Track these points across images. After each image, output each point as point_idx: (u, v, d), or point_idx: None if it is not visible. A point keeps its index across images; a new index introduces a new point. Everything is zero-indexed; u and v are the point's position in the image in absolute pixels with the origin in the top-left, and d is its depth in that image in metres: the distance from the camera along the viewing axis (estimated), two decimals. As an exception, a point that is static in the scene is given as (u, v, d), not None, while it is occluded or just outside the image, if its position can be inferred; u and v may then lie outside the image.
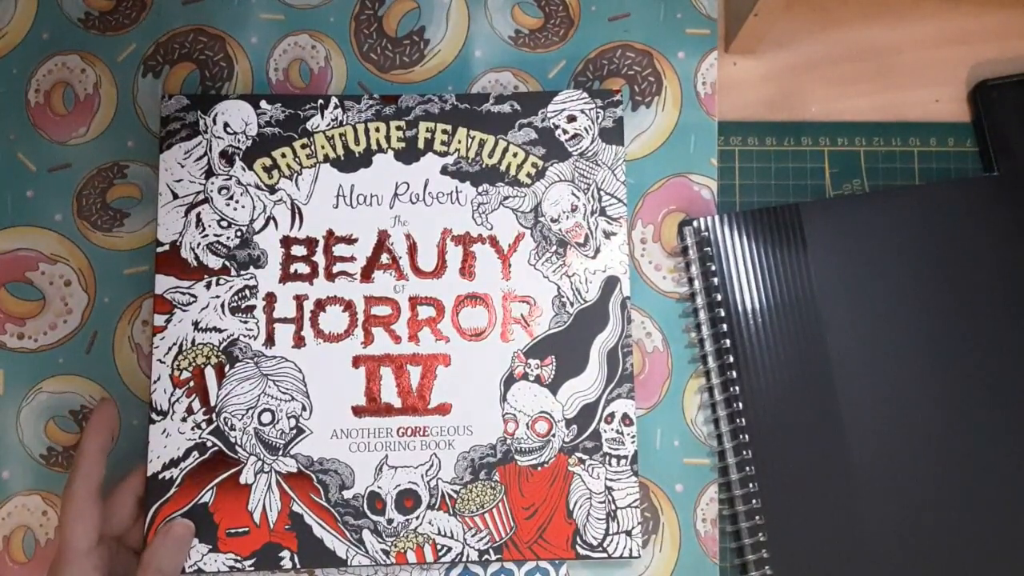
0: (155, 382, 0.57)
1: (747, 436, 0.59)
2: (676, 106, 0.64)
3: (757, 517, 0.58)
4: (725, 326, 0.60)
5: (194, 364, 0.58)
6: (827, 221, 0.61)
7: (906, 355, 0.60)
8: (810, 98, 0.65)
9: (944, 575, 0.57)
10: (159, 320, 0.58)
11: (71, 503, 0.52)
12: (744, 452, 0.59)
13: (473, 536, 0.57)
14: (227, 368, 0.58)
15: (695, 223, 0.61)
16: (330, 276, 0.59)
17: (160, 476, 0.56)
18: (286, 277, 0.59)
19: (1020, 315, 0.60)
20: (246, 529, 0.56)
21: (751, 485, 0.58)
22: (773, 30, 0.63)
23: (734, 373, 0.59)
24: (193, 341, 0.58)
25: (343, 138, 0.60)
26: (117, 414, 0.57)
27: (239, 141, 0.60)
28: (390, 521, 0.57)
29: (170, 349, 0.58)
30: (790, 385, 0.59)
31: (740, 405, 0.59)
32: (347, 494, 0.57)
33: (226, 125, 0.60)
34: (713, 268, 0.61)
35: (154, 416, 0.57)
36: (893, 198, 0.62)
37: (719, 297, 0.60)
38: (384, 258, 0.60)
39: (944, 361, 0.60)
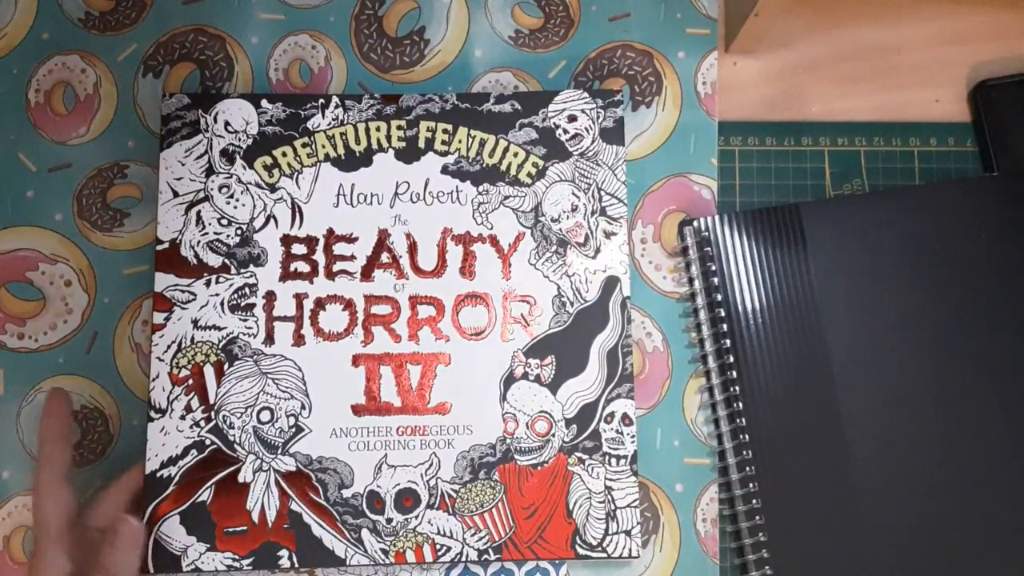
0: (154, 380, 0.57)
1: (747, 436, 0.59)
2: (676, 106, 0.64)
3: (757, 517, 0.58)
4: (725, 326, 0.60)
5: (193, 362, 0.58)
6: (827, 221, 0.61)
7: (906, 355, 0.59)
8: (810, 98, 0.65)
9: (944, 575, 0.57)
10: (158, 318, 0.58)
11: (37, 488, 0.54)
12: (744, 452, 0.58)
13: (473, 536, 0.57)
14: (226, 366, 0.58)
15: (695, 223, 0.61)
16: (330, 275, 0.59)
17: (158, 474, 0.56)
18: (286, 275, 0.59)
19: (1020, 315, 0.60)
20: (244, 528, 0.56)
21: (751, 485, 0.58)
22: (773, 30, 0.63)
23: (734, 373, 0.59)
24: (192, 339, 0.58)
25: (344, 137, 0.60)
26: (69, 400, 0.57)
27: (240, 140, 0.60)
28: (389, 520, 0.57)
29: (169, 347, 0.58)
30: (790, 385, 0.59)
31: (740, 405, 0.59)
32: (346, 493, 0.57)
33: (227, 124, 0.60)
34: (713, 268, 0.60)
35: (152, 414, 0.57)
36: (893, 198, 0.62)
37: (719, 297, 0.60)
38: (384, 257, 0.60)
39: (944, 361, 0.59)
